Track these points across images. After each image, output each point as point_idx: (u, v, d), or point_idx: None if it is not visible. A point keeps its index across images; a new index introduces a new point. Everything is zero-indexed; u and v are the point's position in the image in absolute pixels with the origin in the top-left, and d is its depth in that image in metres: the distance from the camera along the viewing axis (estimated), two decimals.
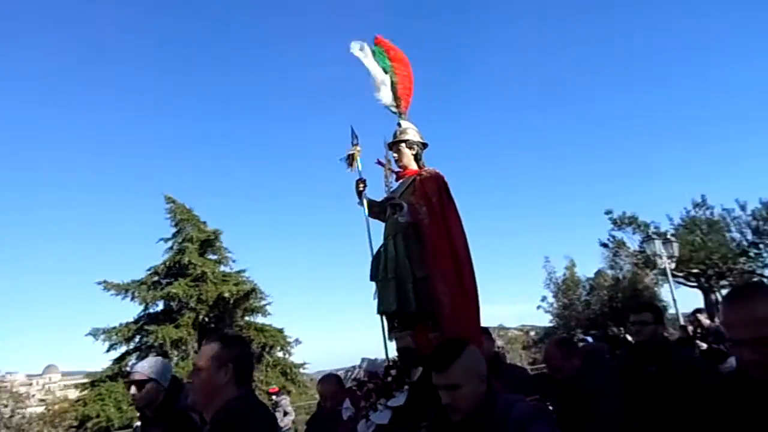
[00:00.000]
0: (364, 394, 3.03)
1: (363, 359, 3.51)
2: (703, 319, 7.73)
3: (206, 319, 17.26)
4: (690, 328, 7.93)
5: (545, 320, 20.34)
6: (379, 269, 3.32)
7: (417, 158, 3.59)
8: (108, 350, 17.19)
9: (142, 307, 17.67)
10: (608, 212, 19.20)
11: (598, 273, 18.49)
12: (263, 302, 18.58)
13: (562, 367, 3.17)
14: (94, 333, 16.87)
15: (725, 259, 17.65)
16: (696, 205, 18.89)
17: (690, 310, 9.48)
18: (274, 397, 9.93)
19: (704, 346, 6.67)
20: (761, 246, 17.88)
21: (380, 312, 3.33)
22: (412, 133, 3.61)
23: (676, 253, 13.70)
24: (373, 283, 3.42)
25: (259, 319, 18.71)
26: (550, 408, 3.06)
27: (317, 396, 4.27)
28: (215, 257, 18.80)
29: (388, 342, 3.34)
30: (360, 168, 3.73)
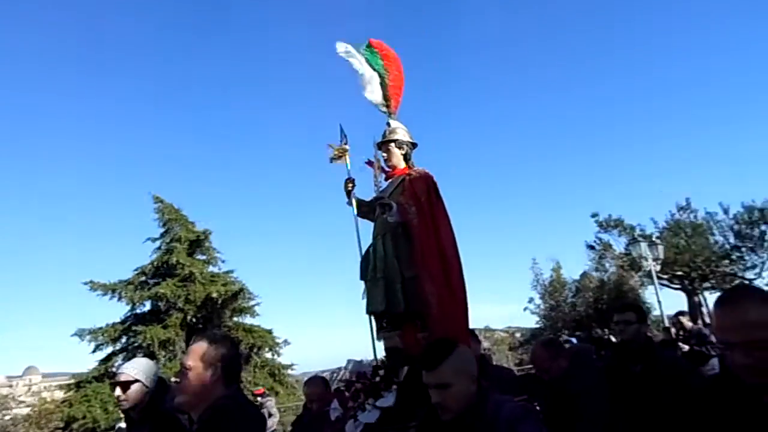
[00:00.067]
0: (352, 394, 3.03)
1: (349, 361, 3.50)
2: (686, 321, 7.84)
3: (194, 320, 17.10)
4: (673, 330, 8.05)
5: (531, 321, 20.49)
6: (368, 269, 3.33)
7: (406, 158, 3.61)
8: (94, 351, 17.00)
9: (128, 308, 17.51)
10: (594, 215, 19.48)
11: (584, 275, 18.68)
12: (252, 303, 18.49)
13: (549, 368, 3.20)
14: (80, 333, 16.65)
15: (708, 261, 17.96)
16: (680, 209, 19.21)
17: (673, 312, 9.64)
18: (259, 398, 9.88)
19: (686, 348, 6.77)
20: (743, 249, 18.24)
21: (369, 312, 3.34)
22: (402, 133, 3.63)
23: (662, 256, 13.93)
24: (361, 283, 3.43)
25: (248, 320, 18.63)
26: (538, 408, 3.09)
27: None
28: (204, 257, 18.65)
29: (376, 342, 3.35)
30: (349, 167, 3.73)
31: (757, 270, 17.93)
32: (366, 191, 3.68)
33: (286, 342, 18.68)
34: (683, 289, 18.52)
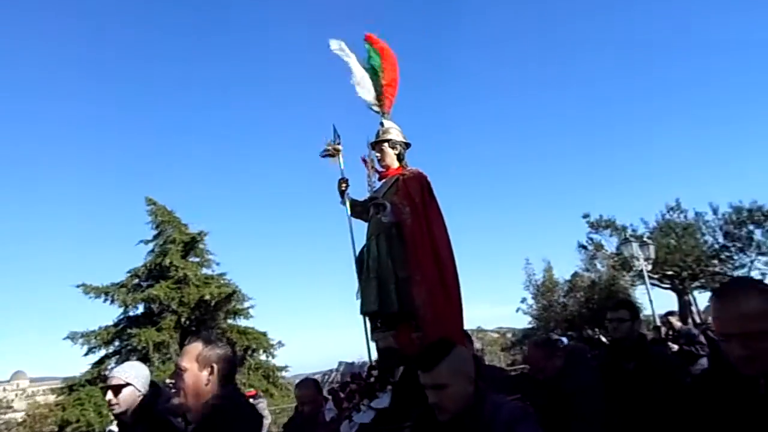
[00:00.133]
0: (347, 394, 3.02)
1: (340, 363, 3.51)
2: (675, 321, 7.91)
3: (188, 322, 17.01)
4: (663, 330, 8.11)
5: (523, 322, 20.61)
6: (363, 269, 3.32)
7: (400, 158, 3.60)
8: (86, 354, 16.87)
9: (121, 310, 17.36)
10: (585, 216, 19.63)
11: (575, 275, 18.80)
12: (246, 305, 18.42)
13: (544, 368, 3.21)
14: (72, 336, 16.52)
15: (698, 261, 18.16)
16: (670, 209, 19.41)
17: (664, 311, 9.70)
18: (251, 400, 9.84)
19: (675, 347, 6.82)
20: (732, 249, 18.46)
21: (363, 313, 3.34)
22: (395, 133, 3.62)
23: (653, 256, 14.03)
24: (355, 285, 3.42)
25: (242, 322, 18.54)
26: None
27: None
28: (197, 260, 18.53)
29: (370, 342, 3.35)
30: (342, 167, 3.73)
31: (745, 269, 18.21)
32: (359, 191, 3.68)
33: (280, 344, 18.64)
34: (673, 288, 18.69)
